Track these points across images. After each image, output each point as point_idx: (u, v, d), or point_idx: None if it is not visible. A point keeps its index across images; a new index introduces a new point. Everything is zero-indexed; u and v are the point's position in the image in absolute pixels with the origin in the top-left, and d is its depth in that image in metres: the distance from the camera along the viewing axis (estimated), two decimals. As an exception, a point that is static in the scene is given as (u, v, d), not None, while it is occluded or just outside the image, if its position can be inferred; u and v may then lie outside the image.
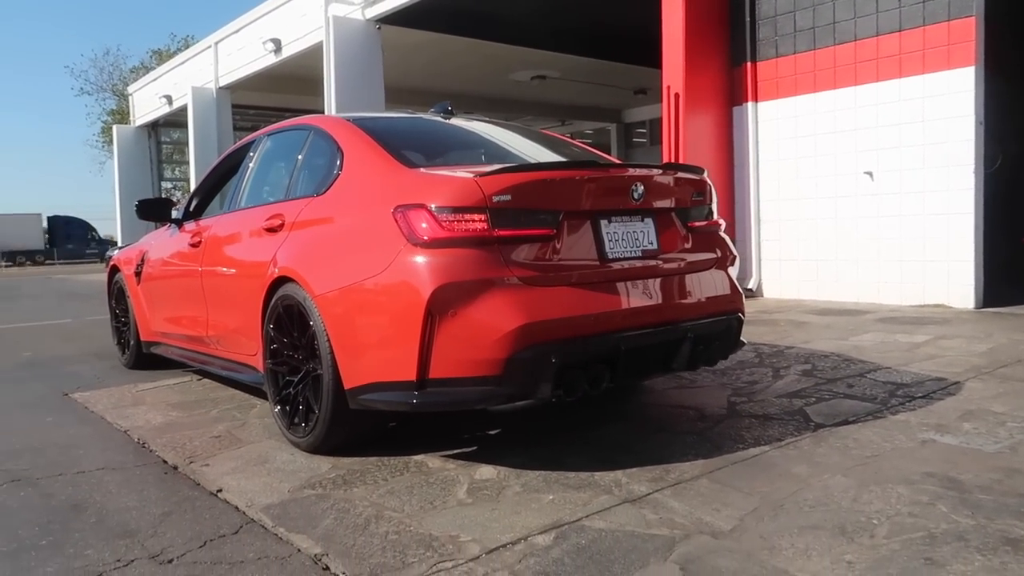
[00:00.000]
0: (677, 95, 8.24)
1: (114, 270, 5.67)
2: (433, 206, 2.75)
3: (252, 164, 4.18)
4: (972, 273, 7.00)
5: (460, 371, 2.71)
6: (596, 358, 2.85)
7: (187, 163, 22.06)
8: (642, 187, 3.06)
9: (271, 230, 3.53)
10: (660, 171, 3.24)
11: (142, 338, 5.23)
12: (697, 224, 3.37)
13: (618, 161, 3.71)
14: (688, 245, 3.30)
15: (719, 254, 3.45)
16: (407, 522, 2.45)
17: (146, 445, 3.51)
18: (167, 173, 26.82)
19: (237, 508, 2.66)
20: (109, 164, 35.49)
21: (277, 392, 3.42)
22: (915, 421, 3.39)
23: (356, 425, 3.11)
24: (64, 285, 19.23)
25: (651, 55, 8.83)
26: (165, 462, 3.24)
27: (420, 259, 2.72)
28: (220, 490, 2.84)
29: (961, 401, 3.71)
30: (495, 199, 2.73)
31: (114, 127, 26.06)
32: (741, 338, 3.54)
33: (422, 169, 3.09)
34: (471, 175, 2.79)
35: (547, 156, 3.75)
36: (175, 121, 22.80)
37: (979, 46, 6.83)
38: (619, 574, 2.04)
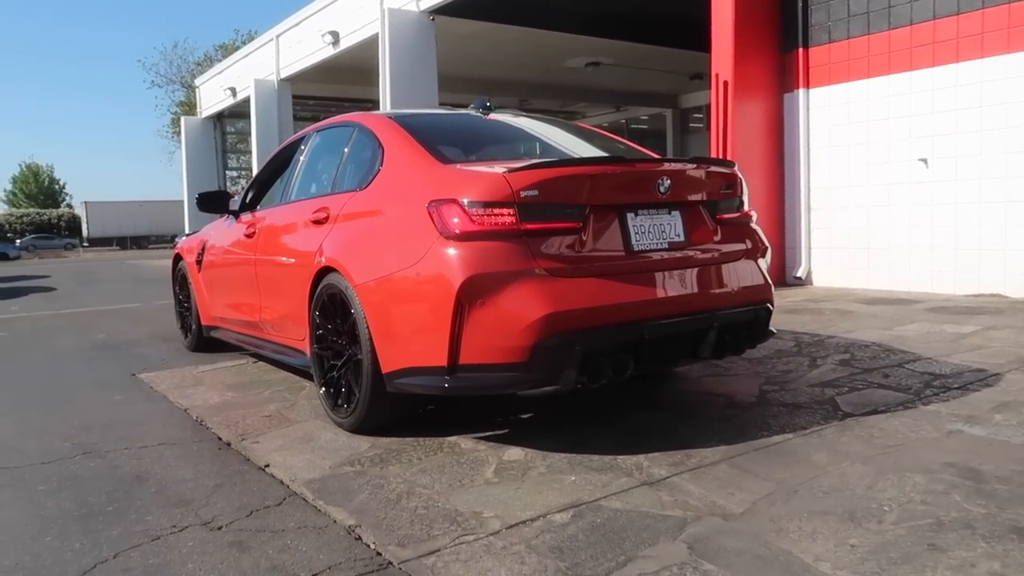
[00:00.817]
0: (726, 83, 8.20)
1: (177, 258, 6.00)
2: (464, 201, 2.90)
3: (302, 158, 4.40)
4: (1030, 262, 6.82)
5: (489, 358, 2.86)
6: (620, 346, 2.96)
7: (250, 152, 22.73)
8: (668, 181, 3.15)
9: (317, 222, 3.73)
10: (687, 165, 3.32)
11: (203, 323, 5.54)
12: (726, 216, 3.43)
13: (649, 155, 3.78)
14: (717, 237, 3.37)
15: (749, 245, 3.51)
16: (436, 498, 2.62)
17: (203, 423, 3.76)
18: (231, 162, 27.64)
19: (282, 482, 2.87)
20: (178, 154, 36.75)
21: (322, 375, 3.63)
22: (946, 412, 3.40)
23: (394, 407, 3.29)
24: (135, 270, 20.10)
25: (704, 40, 8.79)
26: (219, 439, 3.48)
27: (451, 251, 2.87)
28: (267, 465, 3.06)
29: (997, 393, 3.69)
30: (523, 194, 2.86)
31: (182, 118, 26.98)
32: (771, 327, 3.59)
33: (456, 165, 3.24)
34: (500, 171, 2.92)
35: (581, 150, 3.86)
36: (239, 112, 23.49)
37: (1040, 28, 6.62)
38: (629, 551, 2.17)
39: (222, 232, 5.11)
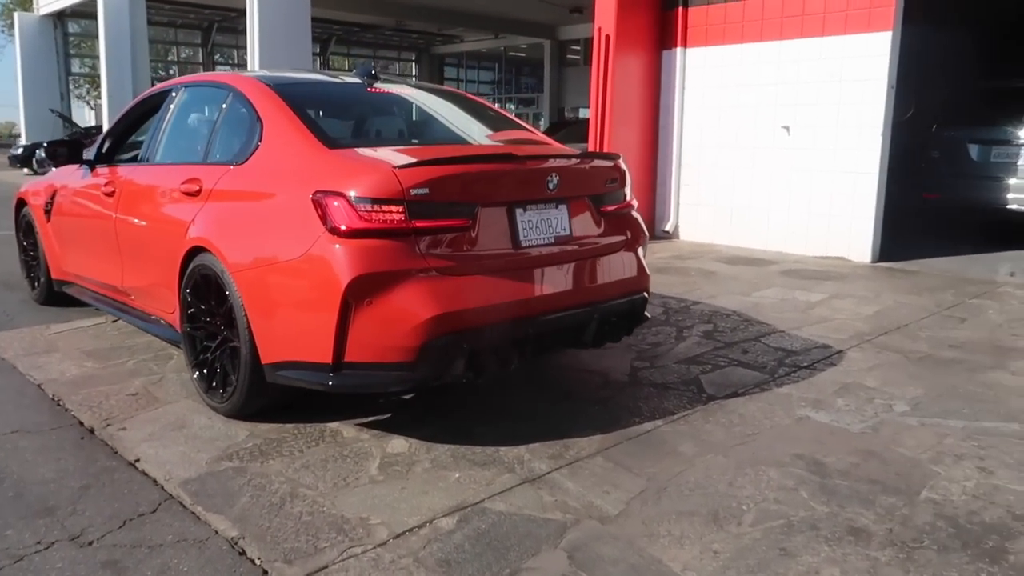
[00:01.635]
0: (608, 36, 8.23)
1: (21, 203, 5.47)
2: (352, 195, 2.81)
3: (169, 116, 4.08)
4: (871, 230, 7.43)
5: (375, 356, 2.84)
6: (507, 342, 3.01)
7: (97, 56, 20.77)
8: (557, 178, 3.18)
9: (189, 194, 3.51)
10: (576, 160, 3.35)
11: (53, 276, 5.13)
12: (610, 208, 3.52)
13: (536, 145, 3.77)
14: (600, 229, 3.46)
15: (629, 235, 3.62)
16: (321, 501, 2.62)
17: (61, 403, 3.54)
18: (75, 67, 25.20)
19: (156, 482, 2.77)
20: (10, 49, 32.98)
21: (195, 356, 3.48)
22: (796, 395, 3.72)
23: (273, 394, 3.22)
24: (-37, 185, 18.14)
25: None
26: (82, 424, 3.30)
27: (338, 248, 2.79)
28: (138, 460, 2.94)
29: (840, 373, 4.06)
30: (413, 192, 2.80)
31: (15, 14, 24.16)
32: (645, 313, 3.75)
33: (342, 150, 3.11)
34: (390, 166, 2.84)
35: (471, 131, 3.80)
36: (84, 12, 21.31)
37: (898, 12, 7.03)
38: (514, 561, 2.27)
39: (76, 184, 4.69)
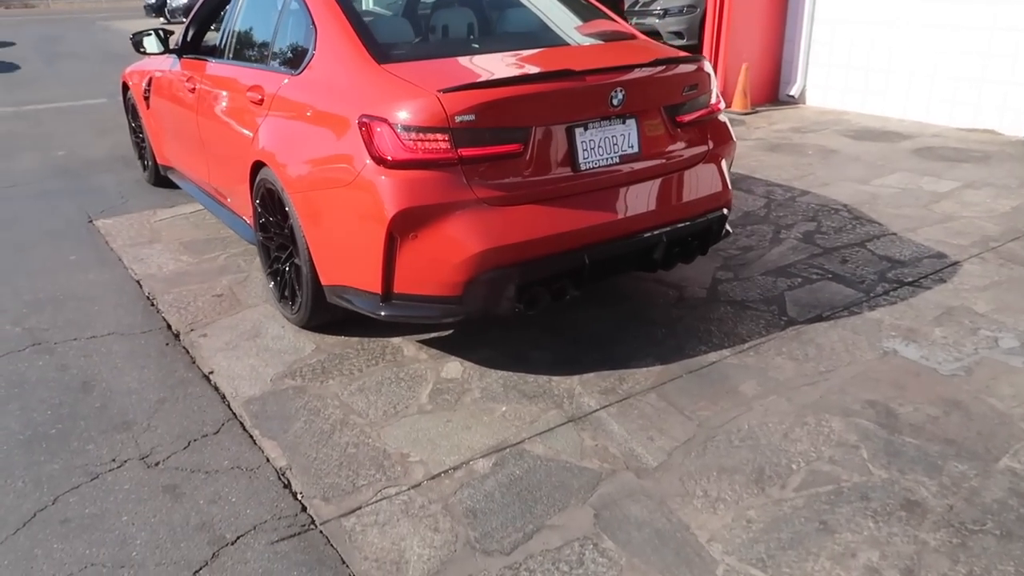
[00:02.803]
0: None
1: (125, 86, 5.64)
2: (396, 123, 2.67)
3: (238, 11, 3.98)
4: (1031, 100, 6.48)
5: (422, 289, 2.81)
6: (560, 274, 2.89)
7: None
8: (623, 92, 2.89)
9: (254, 102, 3.47)
10: (647, 70, 3.02)
11: (158, 161, 5.35)
12: (688, 117, 3.19)
13: (608, 49, 3.39)
14: (676, 143, 3.16)
15: (711, 145, 3.30)
16: (368, 431, 2.71)
17: (155, 303, 3.78)
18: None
19: (223, 398, 2.94)
20: None
21: (268, 265, 3.59)
22: (888, 321, 3.42)
23: (337, 311, 3.28)
24: (107, 38, 19.03)
25: None
26: (169, 328, 3.52)
27: (382, 179, 2.70)
28: (211, 372, 3.13)
29: (947, 292, 3.69)
30: (458, 119, 2.63)
31: None
32: (727, 228, 3.48)
33: (392, 66, 2.94)
34: (433, 91, 2.66)
35: (542, 28, 3.48)
36: None
37: None
38: (539, 516, 2.29)
39: (167, 75, 4.75)
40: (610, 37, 3.58)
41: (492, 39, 3.36)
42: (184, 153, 4.66)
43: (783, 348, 3.21)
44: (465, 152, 2.68)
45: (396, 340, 3.34)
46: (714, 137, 3.33)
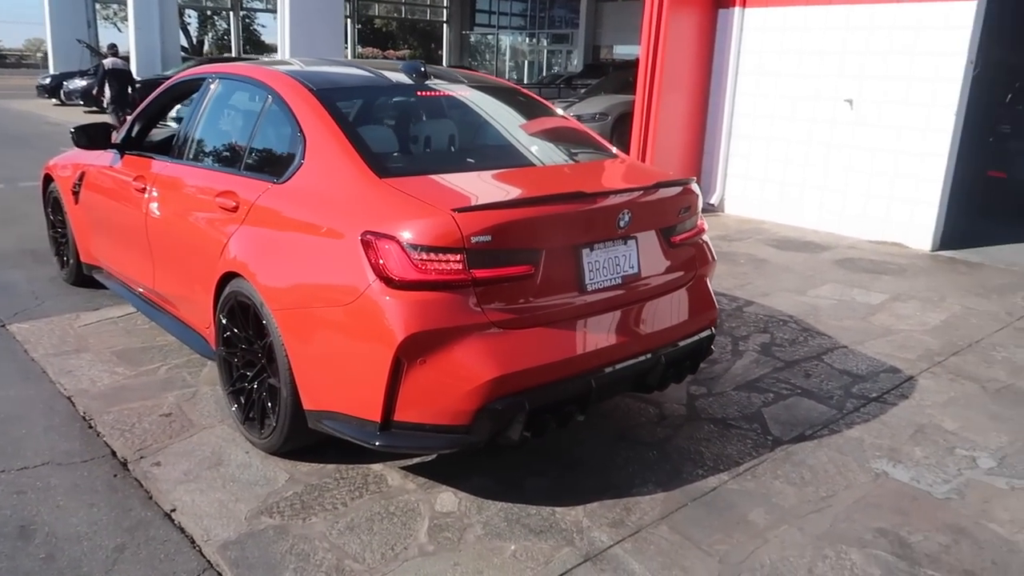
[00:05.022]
0: (663, -5, 7.69)
1: (48, 178, 5.23)
2: (406, 241, 2.53)
3: (202, 110, 3.78)
4: (935, 217, 7.03)
5: (427, 418, 2.62)
6: (568, 400, 2.77)
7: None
8: (629, 215, 2.88)
9: (225, 208, 3.25)
10: (650, 192, 3.03)
11: (82, 260, 4.93)
12: (681, 238, 3.21)
13: (605, 168, 3.42)
14: (669, 262, 3.16)
15: (699, 265, 3.32)
16: (369, 580, 2.44)
17: (93, 424, 3.37)
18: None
19: (193, 542, 2.60)
20: (34, -31, 32.26)
21: (231, 382, 3.29)
22: (868, 440, 3.46)
23: (314, 435, 3.02)
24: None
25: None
26: (114, 454, 3.13)
27: (390, 300, 2.53)
28: (174, 510, 2.77)
29: (913, 410, 3.79)
30: (474, 240, 2.53)
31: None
32: (711, 347, 3.48)
33: (394, 180, 2.82)
34: (448, 210, 2.55)
35: (533, 146, 3.47)
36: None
37: (985, -19, 6.46)
38: (580, 678, 2.08)
39: (105, 170, 4.43)
40: (595, 154, 3.61)
41: (486, 156, 3.31)
42: (122, 254, 4.30)
43: (778, 471, 3.18)
44: (478, 274, 2.56)
45: (377, 467, 3.09)
46: (700, 256, 3.36)
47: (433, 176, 2.92)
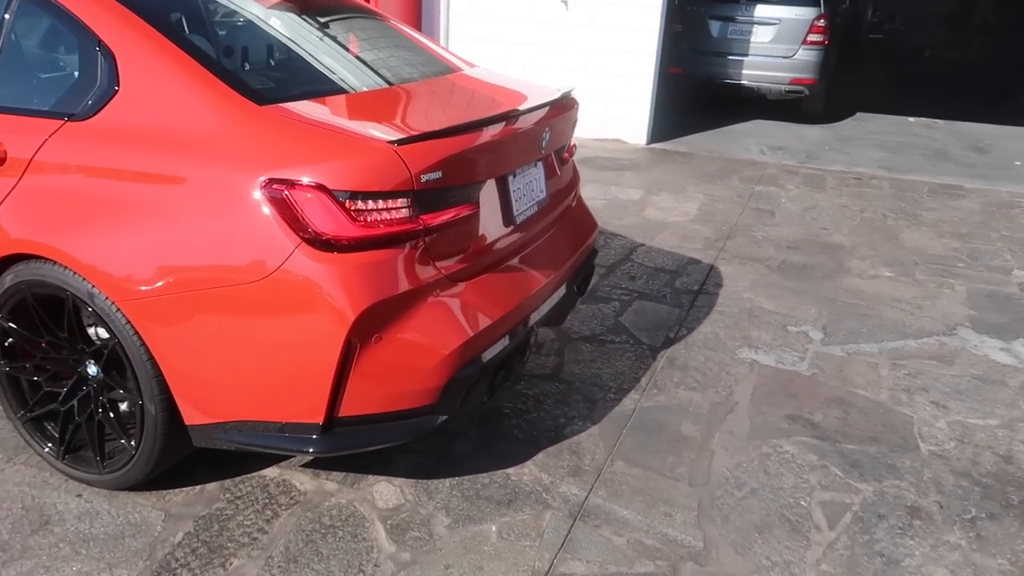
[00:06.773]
0: None
1: None
2: (337, 188, 1.93)
3: None
4: (648, 112, 7.57)
5: (382, 406, 2.10)
6: (517, 350, 2.43)
7: None
8: (549, 134, 2.53)
9: (-24, 162, 2.20)
10: (558, 106, 2.68)
11: None
12: (568, 154, 2.96)
13: (520, 99, 2.92)
14: (563, 183, 2.90)
15: (574, 179, 3.11)
16: (360, 620, 1.94)
17: None
18: None
19: (81, 645, 1.83)
20: None
21: (27, 408, 2.35)
22: (722, 333, 3.64)
23: (183, 452, 2.29)
24: None
25: None
26: None
27: (327, 268, 1.93)
28: (20, 607, 1.93)
29: (734, 297, 4.06)
30: (424, 179, 2.01)
31: None
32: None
33: (279, 107, 2.11)
34: (384, 143, 1.98)
35: (400, 62, 2.86)
36: None
37: None
38: (657, 654, 1.89)
39: None
40: (464, 65, 3.13)
41: (347, 70, 2.61)
42: None
43: (674, 378, 3.20)
44: (428, 220, 2.06)
45: (270, 472, 2.47)
46: (574, 170, 3.14)
47: (321, 101, 2.25)
